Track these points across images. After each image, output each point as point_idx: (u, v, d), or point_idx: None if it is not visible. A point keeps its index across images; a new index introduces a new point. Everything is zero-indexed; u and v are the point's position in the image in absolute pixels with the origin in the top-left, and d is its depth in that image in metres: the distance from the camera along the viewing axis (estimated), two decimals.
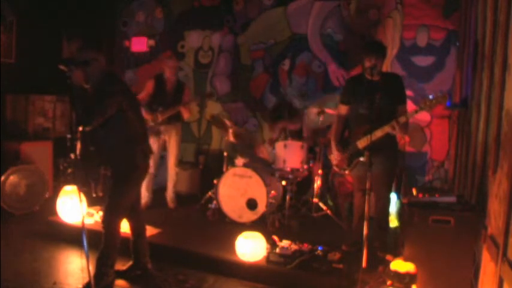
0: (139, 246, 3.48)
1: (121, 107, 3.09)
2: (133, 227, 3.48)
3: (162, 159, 5.32)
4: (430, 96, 3.42)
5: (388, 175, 3.82)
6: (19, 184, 4.87)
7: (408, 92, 5.03)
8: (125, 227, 3.61)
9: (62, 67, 2.98)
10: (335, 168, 4.04)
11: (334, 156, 3.95)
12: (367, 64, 3.65)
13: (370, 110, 3.57)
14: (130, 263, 3.50)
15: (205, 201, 5.15)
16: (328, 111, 4.89)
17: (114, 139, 3.18)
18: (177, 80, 5.14)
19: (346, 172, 3.93)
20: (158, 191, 5.41)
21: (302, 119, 5.17)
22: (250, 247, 3.57)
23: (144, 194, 4.95)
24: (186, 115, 5.04)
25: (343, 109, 3.95)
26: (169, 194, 5.22)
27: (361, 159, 3.68)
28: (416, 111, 3.49)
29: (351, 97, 3.86)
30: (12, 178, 4.81)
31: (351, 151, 3.81)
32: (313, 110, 5.13)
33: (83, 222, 2.85)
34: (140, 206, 3.61)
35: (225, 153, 5.15)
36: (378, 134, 3.53)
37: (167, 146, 5.16)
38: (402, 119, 3.49)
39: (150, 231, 4.18)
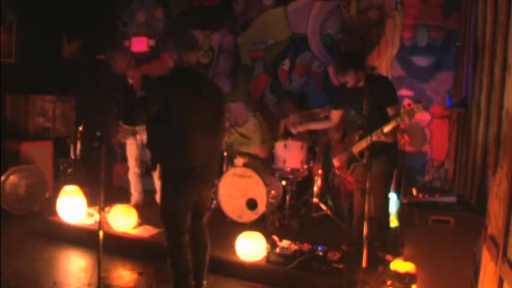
0: (194, 266, 3.12)
1: (165, 109, 2.77)
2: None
3: None
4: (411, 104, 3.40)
5: (387, 175, 3.85)
6: (19, 184, 4.87)
7: (408, 92, 5.06)
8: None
9: (100, 57, 2.90)
10: (337, 171, 4.14)
11: (336, 160, 4.01)
12: (341, 81, 3.87)
13: (360, 117, 3.65)
14: None
15: None
16: (323, 113, 4.90)
17: (156, 140, 2.92)
18: None
19: (347, 174, 3.99)
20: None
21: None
22: (250, 247, 3.57)
23: (133, 194, 4.94)
24: None
25: (335, 115, 4.07)
26: None
27: (360, 161, 3.72)
28: (396, 121, 3.44)
29: (341, 104, 3.99)
30: (12, 178, 4.81)
31: (347, 156, 3.88)
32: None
33: (100, 224, 2.84)
34: (201, 223, 3.18)
35: (225, 153, 5.15)
36: (368, 141, 3.50)
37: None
38: (385, 129, 3.47)
39: (150, 231, 4.19)
